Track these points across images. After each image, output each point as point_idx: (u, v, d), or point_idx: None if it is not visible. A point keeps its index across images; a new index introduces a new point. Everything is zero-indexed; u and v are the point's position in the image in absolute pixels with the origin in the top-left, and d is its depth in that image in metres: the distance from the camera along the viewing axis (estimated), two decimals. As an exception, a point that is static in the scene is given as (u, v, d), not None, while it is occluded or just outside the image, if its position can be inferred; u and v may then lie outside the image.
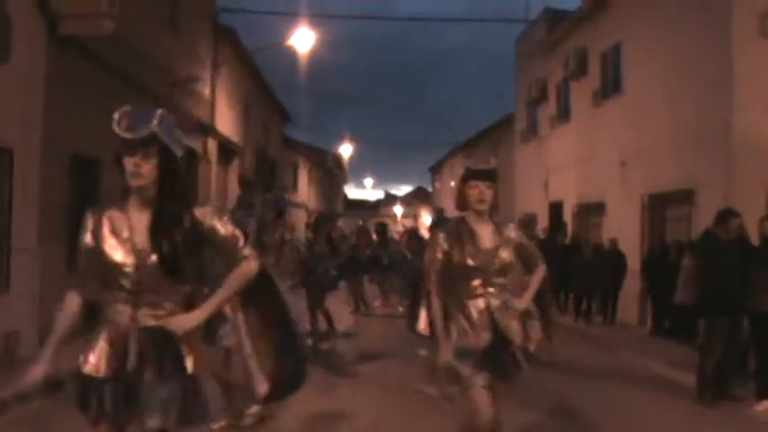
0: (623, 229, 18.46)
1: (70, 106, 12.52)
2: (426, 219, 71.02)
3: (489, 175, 5.29)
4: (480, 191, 5.25)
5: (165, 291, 3.73)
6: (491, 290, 5.22)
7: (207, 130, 21.44)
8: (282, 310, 4.43)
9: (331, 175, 57.11)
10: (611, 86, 20.71)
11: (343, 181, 70.74)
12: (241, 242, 3.85)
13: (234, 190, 25.51)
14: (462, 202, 5.42)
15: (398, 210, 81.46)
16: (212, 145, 22.11)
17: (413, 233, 18.86)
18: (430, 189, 68.50)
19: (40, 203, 11.64)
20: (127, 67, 14.76)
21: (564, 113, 24.75)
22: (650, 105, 17.83)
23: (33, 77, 11.42)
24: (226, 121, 23.98)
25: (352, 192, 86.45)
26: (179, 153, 3.93)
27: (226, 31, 22.93)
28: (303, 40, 24.30)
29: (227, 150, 24.14)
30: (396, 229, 67.30)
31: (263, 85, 30.18)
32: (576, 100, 23.45)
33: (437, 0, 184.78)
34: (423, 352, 11.16)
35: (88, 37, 12.38)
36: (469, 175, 5.33)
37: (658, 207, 17.74)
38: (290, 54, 25.94)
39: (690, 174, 15.74)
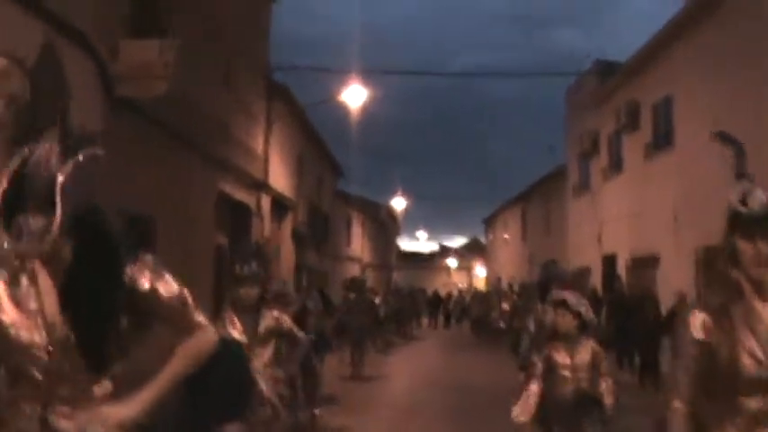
0: (677, 283, 18.26)
1: (126, 165, 12.76)
2: (480, 271, 70.84)
3: None
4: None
5: (85, 380, 2.61)
6: None
7: (260, 186, 21.70)
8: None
9: (384, 228, 57.18)
10: (662, 139, 20.65)
11: (397, 234, 70.76)
12: (191, 305, 2.91)
13: (287, 245, 25.72)
14: (728, 263, 3.46)
15: (452, 262, 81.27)
16: (266, 201, 22.35)
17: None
18: (483, 240, 68.29)
19: (95, 261, 11.86)
20: (183, 126, 15.04)
21: (616, 166, 24.67)
22: (702, 159, 17.72)
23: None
24: (279, 177, 24.24)
25: (405, 244, 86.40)
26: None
27: (279, 88, 23.26)
28: (355, 96, 24.59)
29: (280, 206, 24.36)
30: (449, 285, 67.23)
31: (316, 139, 30.48)
32: (627, 152, 23.39)
33: (489, 52, 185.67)
34: None
35: (143, 98, 12.70)
36: (747, 223, 3.36)
37: (712, 261, 17.49)
38: (343, 108, 26.26)
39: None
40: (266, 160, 22.56)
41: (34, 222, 2.41)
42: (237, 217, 20.44)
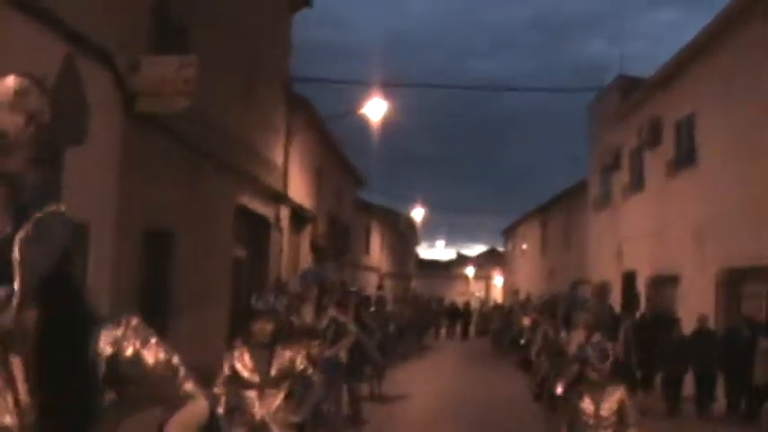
0: (697, 303, 18.06)
1: (145, 180, 12.78)
2: (498, 280, 70.68)
3: None
4: None
5: None
6: None
7: (279, 198, 21.66)
8: None
9: (403, 237, 57.17)
10: (685, 157, 20.48)
11: (416, 243, 70.72)
12: (182, 373, 2.55)
13: (306, 257, 25.67)
14: None
15: (470, 271, 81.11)
16: (285, 213, 22.31)
17: None
18: (502, 249, 68.13)
19: (112, 276, 11.84)
20: (202, 139, 15.03)
21: (637, 182, 24.50)
22: (725, 179, 17.56)
23: (109, 154, 11.69)
24: (298, 188, 24.21)
25: (424, 252, 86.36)
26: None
27: (299, 99, 23.23)
28: (376, 108, 24.54)
29: (299, 217, 24.32)
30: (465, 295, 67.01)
31: (336, 150, 30.44)
32: (649, 169, 23.23)
33: (512, 58, 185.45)
34: None
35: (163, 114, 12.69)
36: None
37: (734, 283, 17.37)
38: (363, 119, 26.18)
39: (766, 250, 15.40)
40: (286, 172, 22.53)
41: None
42: (256, 229, 20.42)
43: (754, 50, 16.61)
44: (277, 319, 6.27)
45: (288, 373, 6.17)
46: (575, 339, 8.79)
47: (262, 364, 6.07)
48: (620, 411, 6.44)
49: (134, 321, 2.47)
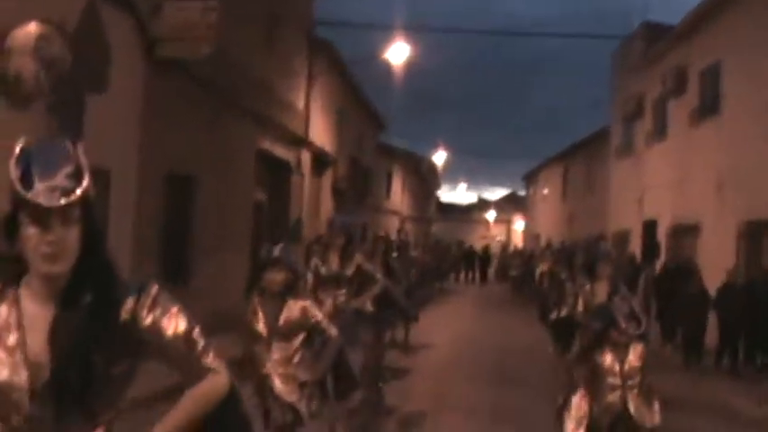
0: (718, 254, 18.00)
1: (166, 125, 12.84)
2: (519, 225, 70.61)
3: None
4: None
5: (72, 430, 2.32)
6: None
7: (300, 142, 21.67)
8: None
9: (424, 180, 57.09)
10: (709, 107, 20.28)
11: (437, 187, 70.62)
12: (201, 345, 2.49)
13: (327, 201, 25.75)
14: None
15: (491, 215, 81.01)
16: (306, 157, 22.34)
17: None
18: (523, 194, 67.91)
19: (135, 221, 11.95)
20: (223, 84, 15.04)
21: (660, 131, 24.31)
22: (749, 129, 17.41)
23: (131, 100, 11.74)
24: (320, 132, 24.19)
25: (445, 195, 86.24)
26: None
27: (321, 43, 23.13)
28: (398, 53, 24.41)
29: (320, 161, 24.34)
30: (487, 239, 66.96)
31: (358, 94, 30.34)
32: (673, 118, 23.03)
33: (535, 2, 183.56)
34: None
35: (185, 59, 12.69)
36: None
37: (755, 235, 17.30)
38: (386, 63, 26.01)
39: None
40: (307, 116, 22.52)
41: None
42: (277, 173, 20.49)
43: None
44: (288, 269, 5.94)
45: (299, 326, 5.90)
46: (599, 291, 8.72)
47: (272, 317, 5.87)
48: (644, 368, 6.18)
49: (154, 289, 2.43)
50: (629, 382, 6.09)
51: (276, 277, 5.84)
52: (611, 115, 30.93)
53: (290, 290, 5.95)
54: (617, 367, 6.11)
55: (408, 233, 39.67)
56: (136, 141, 11.89)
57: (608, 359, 6.13)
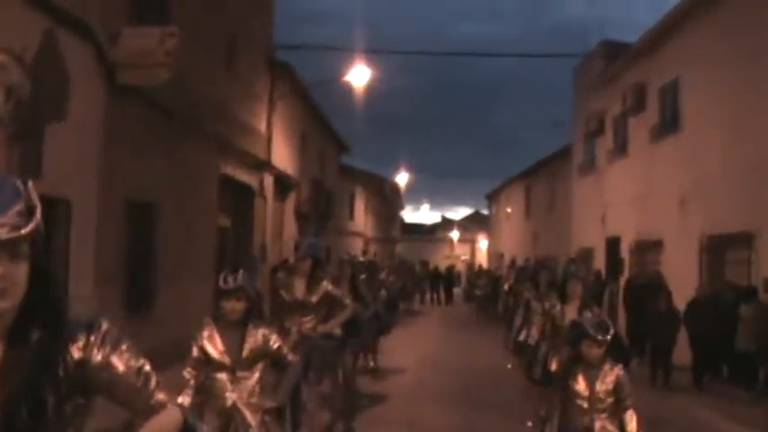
0: (681, 269, 18.11)
1: (127, 152, 12.70)
2: (484, 243, 70.80)
3: None
4: None
5: None
6: None
7: (263, 165, 21.58)
8: None
9: (388, 201, 57.13)
10: (669, 123, 20.45)
11: (400, 207, 70.69)
12: (153, 382, 2.48)
13: (290, 224, 25.66)
14: None
15: (455, 234, 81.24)
16: (269, 181, 22.25)
17: None
18: (486, 212, 68.17)
19: (96, 250, 11.78)
20: (184, 109, 14.93)
21: (622, 148, 24.49)
22: (709, 145, 17.56)
23: (91, 127, 11.59)
24: (282, 156, 24.12)
25: (408, 216, 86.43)
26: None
27: (282, 66, 23.08)
28: (359, 75, 24.40)
29: (283, 185, 24.28)
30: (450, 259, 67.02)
31: (320, 116, 30.30)
32: (634, 135, 23.21)
33: (492, 21, 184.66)
34: None
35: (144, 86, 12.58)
36: None
37: (717, 249, 17.43)
38: (347, 85, 25.99)
39: (750, 216, 15.46)
40: (269, 139, 22.45)
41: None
42: (240, 198, 20.39)
43: (738, 16, 16.56)
44: (248, 298, 5.75)
45: (261, 354, 5.76)
46: (569, 312, 8.70)
47: (233, 346, 5.68)
48: (617, 391, 6.02)
49: (104, 326, 2.39)
50: (599, 406, 6.00)
51: (236, 306, 5.67)
52: (572, 133, 31.12)
53: (250, 318, 5.79)
54: (587, 390, 6.03)
55: (371, 254, 39.53)
56: (96, 169, 11.74)
57: (580, 382, 6.06)
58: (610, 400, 6.01)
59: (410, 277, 38.10)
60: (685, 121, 19.32)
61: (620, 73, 24.11)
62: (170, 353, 4.93)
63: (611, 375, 6.05)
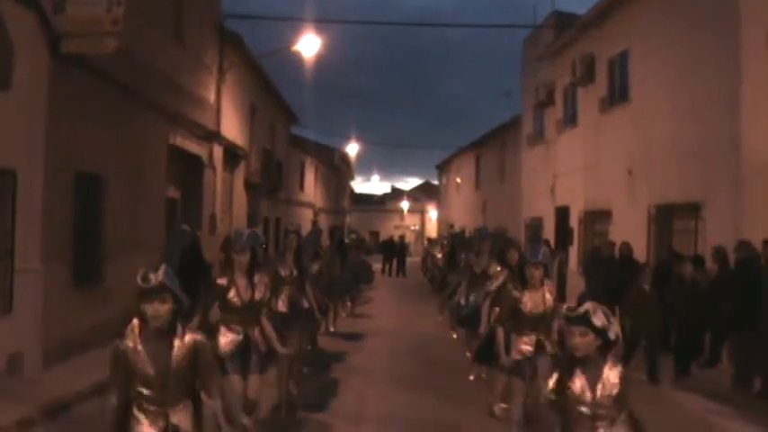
0: (630, 238, 18.25)
1: (73, 124, 12.48)
2: (434, 213, 71.01)
3: None
4: None
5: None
6: None
7: (213, 136, 21.38)
8: None
9: (338, 172, 57.04)
10: (618, 94, 20.61)
11: (350, 178, 70.62)
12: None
13: (240, 195, 25.50)
14: None
15: (405, 204, 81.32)
16: (218, 151, 22.05)
17: None
18: (436, 182, 68.29)
19: (43, 223, 11.58)
20: (131, 80, 14.69)
21: (571, 119, 24.65)
22: (657, 116, 17.72)
23: (36, 97, 11.36)
24: (231, 126, 23.91)
25: (359, 186, 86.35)
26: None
27: (232, 36, 22.82)
28: (309, 45, 24.18)
29: (232, 155, 24.09)
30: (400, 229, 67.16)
31: (270, 87, 30.07)
32: (583, 106, 23.36)
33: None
34: None
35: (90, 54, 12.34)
36: None
37: (665, 218, 17.63)
38: (297, 55, 25.77)
39: (697, 187, 15.64)
40: (218, 110, 22.21)
41: None
42: (189, 169, 20.20)
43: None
44: (174, 296, 4.83)
45: (189, 365, 4.92)
46: (529, 298, 8.45)
47: (159, 356, 4.82)
48: (619, 396, 4.96)
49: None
50: (602, 412, 4.91)
51: (160, 309, 4.77)
52: (522, 103, 31.23)
53: (176, 323, 4.91)
54: (589, 394, 4.94)
55: (321, 224, 39.34)
56: (42, 140, 11.50)
57: (577, 383, 4.97)
58: (612, 410, 4.94)
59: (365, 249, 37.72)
60: (634, 92, 19.46)
61: (570, 44, 24.20)
62: (120, 325, 4.81)
63: (615, 373, 4.96)
